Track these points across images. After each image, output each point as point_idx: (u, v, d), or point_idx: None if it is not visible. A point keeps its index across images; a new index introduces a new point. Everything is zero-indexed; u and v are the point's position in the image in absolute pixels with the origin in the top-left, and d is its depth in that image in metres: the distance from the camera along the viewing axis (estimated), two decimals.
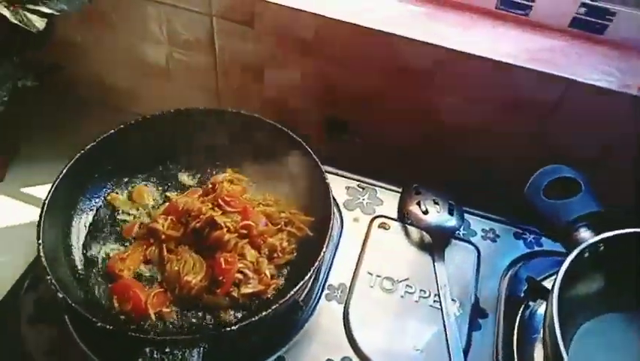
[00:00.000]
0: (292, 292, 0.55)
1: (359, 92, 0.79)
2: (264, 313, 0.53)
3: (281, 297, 0.56)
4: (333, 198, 0.65)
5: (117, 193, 0.70)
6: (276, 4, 0.72)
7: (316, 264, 0.57)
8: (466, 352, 0.61)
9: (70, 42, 0.91)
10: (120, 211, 0.69)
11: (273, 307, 0.54)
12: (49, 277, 0.54)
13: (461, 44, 0.69)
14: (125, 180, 0.72)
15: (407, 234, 0.73)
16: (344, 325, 0.63)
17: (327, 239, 0.59)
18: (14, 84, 0.77)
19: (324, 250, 0.58)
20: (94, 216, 0.68)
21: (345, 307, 0.64)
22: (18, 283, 0.65)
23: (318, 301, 0.65)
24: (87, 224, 0.67)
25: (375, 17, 0.71)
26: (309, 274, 0.56)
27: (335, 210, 0.67)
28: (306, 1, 0.72)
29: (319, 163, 0.67)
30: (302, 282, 0.56)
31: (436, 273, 0.67)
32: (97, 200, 0.69)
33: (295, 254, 0.65)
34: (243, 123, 0.71)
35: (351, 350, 0.61)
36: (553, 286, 0.53)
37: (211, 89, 0.91)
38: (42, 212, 0.59)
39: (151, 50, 0.88)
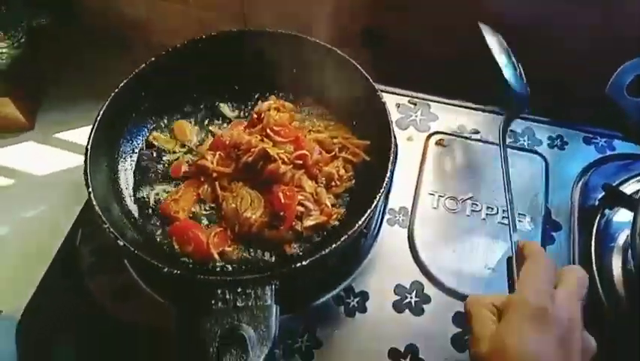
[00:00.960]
0: (360, 222, 0.52)
1: None
2: (333, 246, 0.50)
3: (347, 227, 0.53)
4: None
5: (158, 132, 0.66)
6: None
7: (382, 190, 0.53)
8: None
9: None
10: (164, 150, 0.65)
11: (343, 238, 0.51)
12: (106, 226, 0.52)
13: None
14: (164, 117, 0.68)
15: (466, 149, 0.68)
16: (410, 248, 0.61)
17: (389, 164, 0.55)
18: (29, 24, 0.72)
19: (388, 175, 0.55)
20: (138, 158, 0.65)
21: (409, 231, 0.62)
22: (71, 233, 0.64)
23: (380, 227, 0.62)
24: (133, 167, 0.64)
25: None
26: (374, 202, 0.53)
27: None
28: None
29: (371, 80, 0.61)
30: (369, 211, 0.53)
31: (504, 174, 0.59)
32: (139, 141, 0.66)
33: (353, 181, 0.62)
34: (282, 44, 0.65)
35: (420, 274, 0.59)
36: None
37: (234, 8, 0.84)
38: (86, 157, 0.56)
39: None
